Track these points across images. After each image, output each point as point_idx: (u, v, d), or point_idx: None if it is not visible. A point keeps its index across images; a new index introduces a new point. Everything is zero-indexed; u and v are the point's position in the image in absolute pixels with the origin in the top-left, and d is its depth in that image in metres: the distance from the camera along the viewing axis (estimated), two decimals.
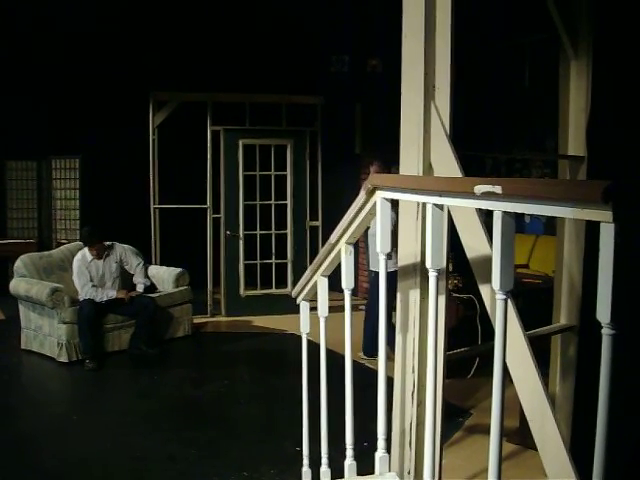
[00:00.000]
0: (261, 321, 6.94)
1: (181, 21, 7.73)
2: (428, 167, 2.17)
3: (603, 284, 1.08)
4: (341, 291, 2.20)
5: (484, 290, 2.03)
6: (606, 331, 1.10)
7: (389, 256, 2.01)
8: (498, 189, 1.32)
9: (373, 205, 1.99)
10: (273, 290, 7.43)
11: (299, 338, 2.72)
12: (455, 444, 3.77)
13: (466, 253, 2.06)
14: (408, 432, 2.22)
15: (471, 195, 1.41)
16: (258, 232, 7.37)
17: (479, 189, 1.37)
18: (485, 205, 1.39)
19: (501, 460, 1.39)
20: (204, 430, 4.04)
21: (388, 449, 2.16)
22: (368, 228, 2.76)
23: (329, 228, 2.39)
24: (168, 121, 7.10)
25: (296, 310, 2.72)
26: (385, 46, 5.11)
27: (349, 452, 2.29)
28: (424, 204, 1.93)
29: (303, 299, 2.62)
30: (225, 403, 4.58)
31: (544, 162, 6.58)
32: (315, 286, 2.46)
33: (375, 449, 2.13)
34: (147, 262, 6.38)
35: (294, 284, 6.49)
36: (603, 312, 1.09)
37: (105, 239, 5.83)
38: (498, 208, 1.33)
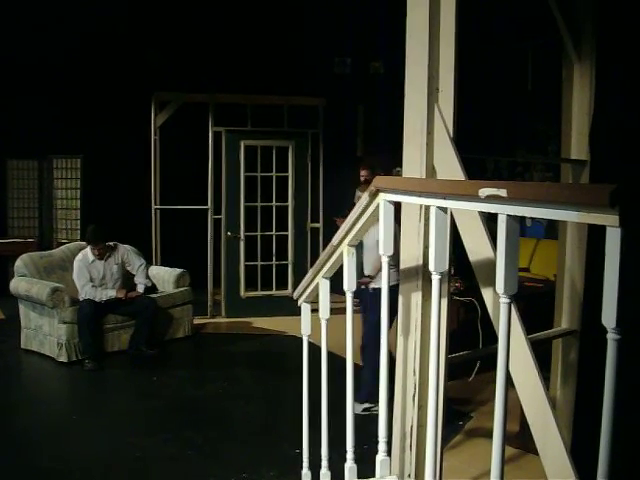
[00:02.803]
0: (261, 322, 6.93)
1: (184, 22, 7.73)
2: (431, 170, 2.16)
3: (609, 288, 1.08)
4: (343, 293, 2.19)
5: (486, 293, 2.02)
6: (611, 336, 1.10)
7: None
8: (503, 192, 1.31)
9: (376, 207, 1.98)
10: (273, 292, 7.42)
11: (299, 340, 2.71)
12: (455, 447, 3.76)
13: (469, 256, 2.05)
14: (409, 435, 2.21)
15: (476, 198, 1.40)
16: (259, 233, 7.36)
17: (484, 192, 1.37)
18: (490, 208, 1.39)
19: (504, 464, 1.39)
20: (204, 431, 4.03)
21: (389, 452, 2.15)
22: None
23: (330, 230, 2.39)
24: (170, 122, 7.10)
25: (296, 312, 2.71)
26: (388, 48, 5.11)
27: (349, 455, 2.28)
28: (427, 207, 1.93)
29: (304, 301, 2.62)
30: (225, 404, 4.57)
31: (546, 165, 6.58)
32: (317, 288, 2.45)
33: (375, 452, 2.12)
34: (148, 263, 6.37)
35: (294, 286, 6.47)
36: (609, 317, 1.08)
37: (109, 239, 5.82)
38: (503, 211, 1.33)
